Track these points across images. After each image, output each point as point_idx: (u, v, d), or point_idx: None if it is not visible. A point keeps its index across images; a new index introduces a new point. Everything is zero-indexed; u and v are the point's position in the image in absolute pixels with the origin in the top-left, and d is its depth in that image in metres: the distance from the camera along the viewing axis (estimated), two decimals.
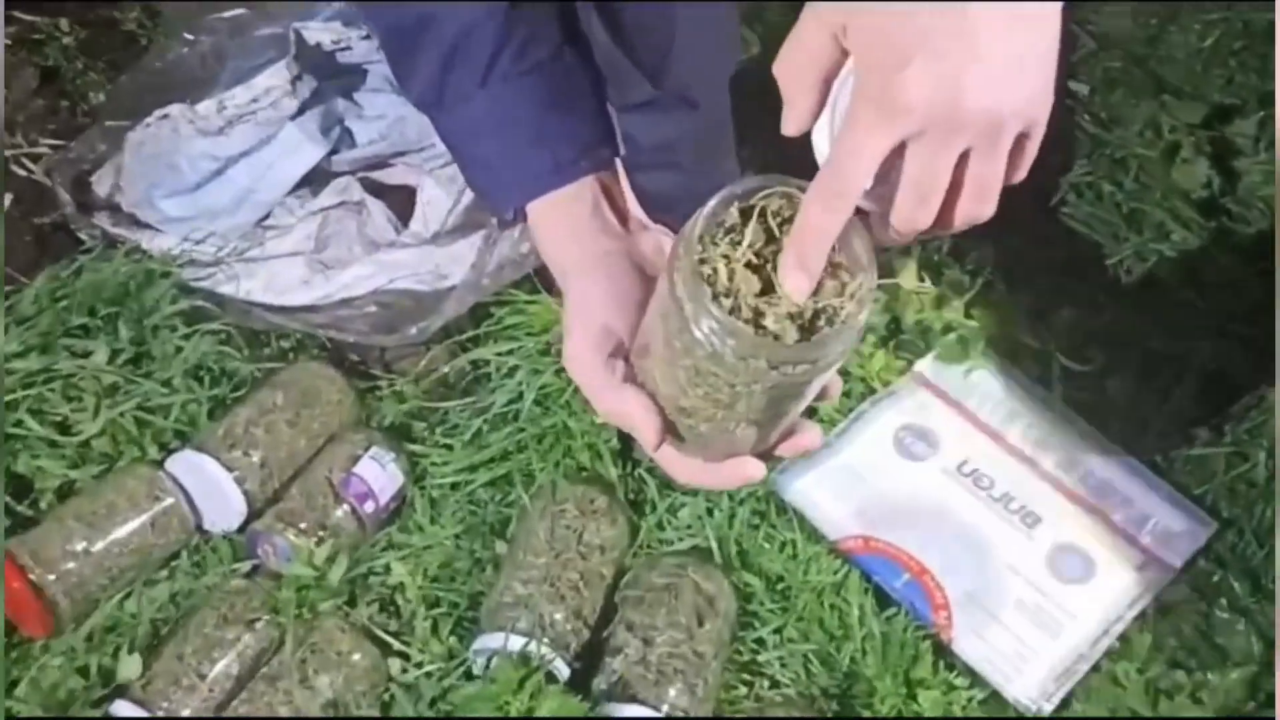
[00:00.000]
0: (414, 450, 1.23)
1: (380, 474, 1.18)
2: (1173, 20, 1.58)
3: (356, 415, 1.24)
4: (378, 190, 1.33)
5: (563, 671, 1.02)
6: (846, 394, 1.26)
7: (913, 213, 0.55)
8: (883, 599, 1.13)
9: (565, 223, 0.68)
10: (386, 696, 1.03)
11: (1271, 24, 1.50)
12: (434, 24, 0.68)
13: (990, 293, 1.32)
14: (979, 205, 0.56)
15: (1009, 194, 0.59)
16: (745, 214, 0.61)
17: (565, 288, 0.68)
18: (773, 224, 0.61)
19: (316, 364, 1.25)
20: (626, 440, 1.23)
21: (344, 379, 1.25)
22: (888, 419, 1.24)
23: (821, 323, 0.60)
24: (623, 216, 0.69)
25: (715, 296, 0.59)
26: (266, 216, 1.29)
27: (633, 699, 0.98)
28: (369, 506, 1.17)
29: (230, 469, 1.15)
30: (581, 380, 0.66)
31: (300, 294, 1.32)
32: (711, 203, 0.60)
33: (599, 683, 1.01)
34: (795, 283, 0.57)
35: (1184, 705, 1.02)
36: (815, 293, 0.60)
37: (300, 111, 1.22)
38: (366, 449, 1.19)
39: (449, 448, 1.23)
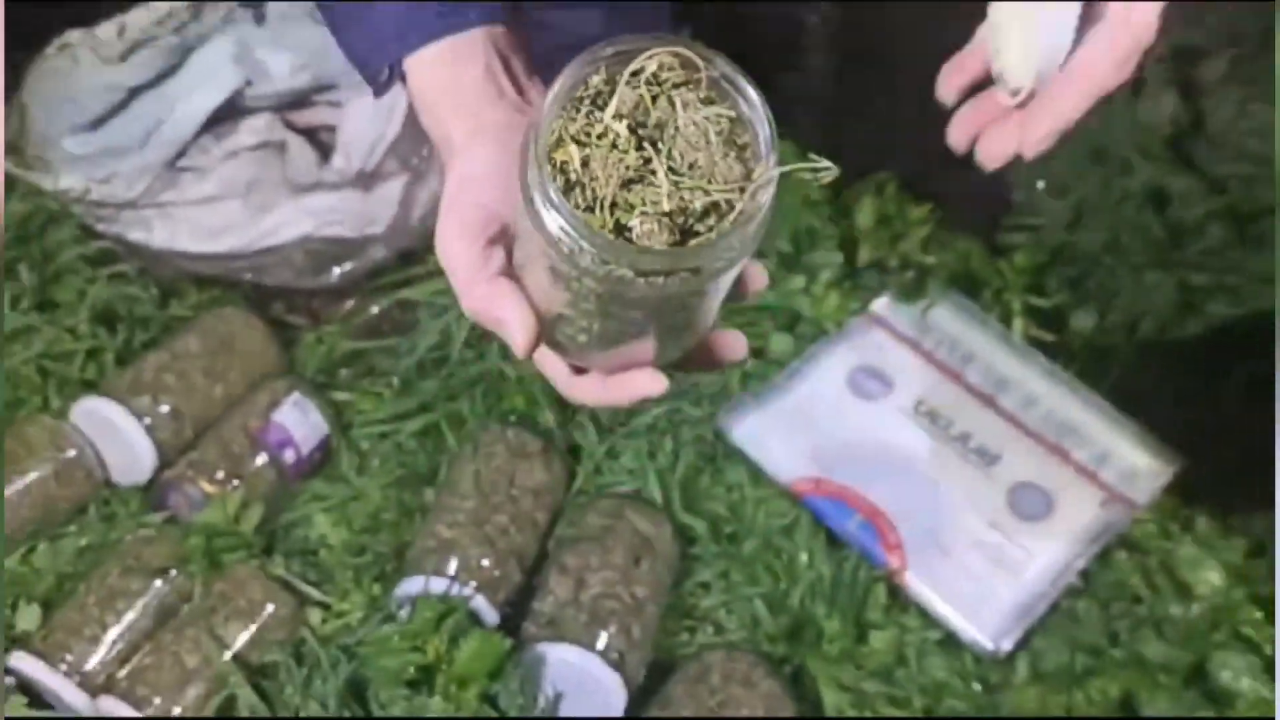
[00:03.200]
0: (340, 399, 1.16)
1: (302, 421, 1.11)
2: None
3: (278, 363, 1.17)
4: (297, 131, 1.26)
5: (490, 617, 0.95)
6: (799, 335, 1.21)
7: None
8: (834, 541, 1.07)
9: (450, 84, 0.60)
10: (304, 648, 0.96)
11: None
12: None
13: (947, 228, 1.26)
14: None
15: None
16: (613, 81, 0.51)
17: (446, 163, 0.61)
18: (649, 92, 0.50)
19: (235, 310, 1.19)
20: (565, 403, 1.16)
21: (264, 325, 1.18)
22: (841, 359, 1.18)
23: (711, 220, 0.50)
24: (519, 86, 0.62)
25: (570, 186, 0.50)
26: (180, 157, 1.22)
27: (562, 639, 0.91)
28: (289, 455, 1.10)
29: (139, 417, 1.08)
30: (451, 267, 0.57)
31: (220, 241, 1.24)
32: (573, 64, 0.50)
33: (527, 626, 0.94)
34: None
35: (1146, 637, 0.97)
36: (708, 181, 0.50)
37: (207, 39, 1.15)
38: (287, 395, 1.12)
39: (378, 395, 1.17)
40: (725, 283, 0.54)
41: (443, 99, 0.60)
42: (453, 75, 0.60)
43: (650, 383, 0.58)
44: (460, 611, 0.89)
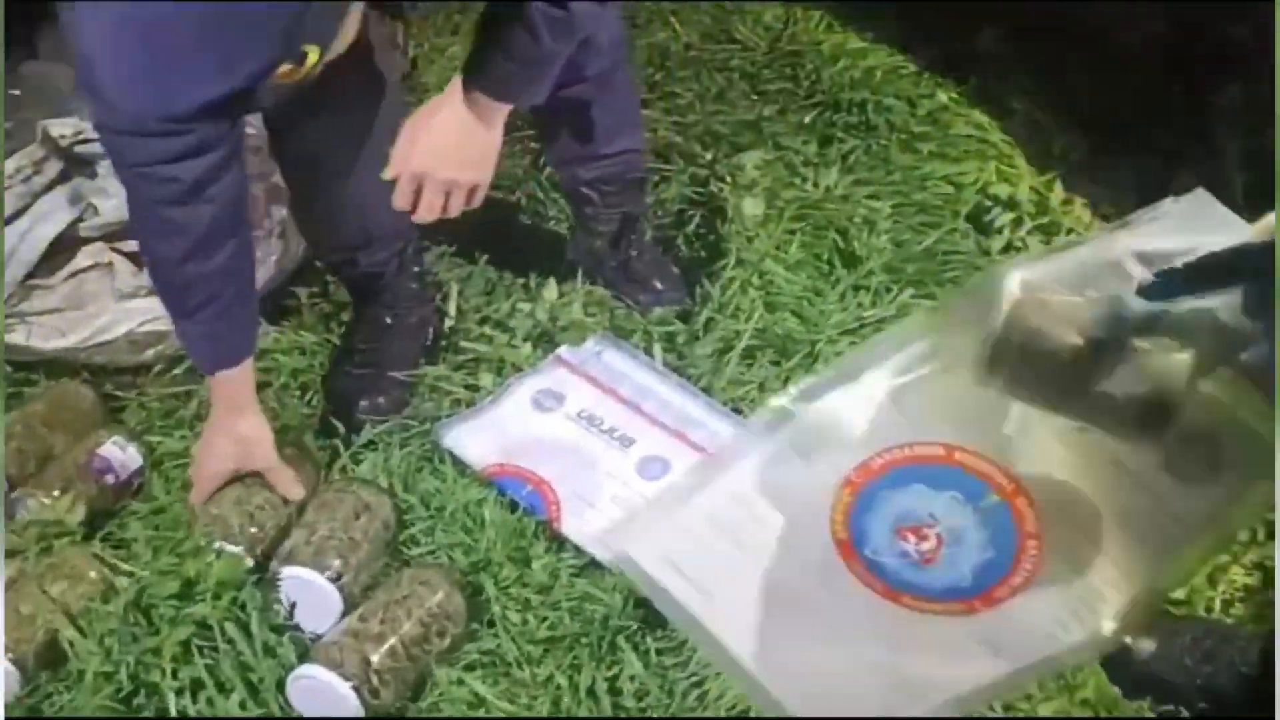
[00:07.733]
0: (153, 441, 1.55)
1: (120, 455, 1.50)
2: None
3: (104, 418, 1.56)
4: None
5: (246, 562, 1.33)
6: (504, 374, 1.64)
7: None
8: (514, 506, 1.48)
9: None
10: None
11: None
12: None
13: (605, 299, 1.73)
14: None
15: None
16: None
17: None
18: None
19: (70, 382, 1.59)
20: (330, 423, 1.58)
21: (93, 393, 1.58)
22: (529, 386, 1.62)
23: None
24: None
25: None
26: (30, 276, 1.63)
27: (295, 563, 1.30)
28: (110, 479, 1.48)
29: None
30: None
31: (62, 341, 1.65)
32: None
33: (272, 562, 1.33)
34: None
35: None
36: None
37: (49, 188, 1.58)
38: (110, 438, 1.51)
39: (183, 438, 1.56)
40: None
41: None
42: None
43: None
44: (217, 548, 1.28)
